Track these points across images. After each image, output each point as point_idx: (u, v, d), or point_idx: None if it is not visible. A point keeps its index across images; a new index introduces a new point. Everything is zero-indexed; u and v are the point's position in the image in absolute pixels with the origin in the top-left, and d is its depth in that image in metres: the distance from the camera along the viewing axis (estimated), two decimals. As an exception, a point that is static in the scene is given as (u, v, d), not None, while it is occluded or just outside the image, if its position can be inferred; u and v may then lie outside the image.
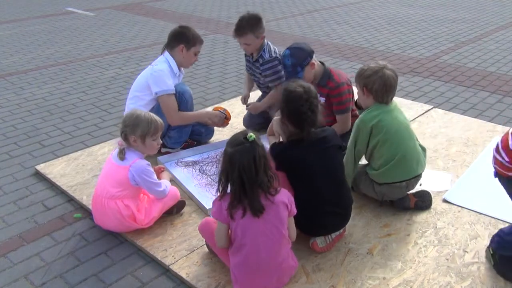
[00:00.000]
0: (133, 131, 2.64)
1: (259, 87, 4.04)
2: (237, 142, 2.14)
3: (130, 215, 2.65)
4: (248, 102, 3.98)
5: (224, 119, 3.72)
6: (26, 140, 4.03)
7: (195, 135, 3.75)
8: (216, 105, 3.86)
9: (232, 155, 2.12)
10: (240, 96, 4.19)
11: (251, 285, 2.25)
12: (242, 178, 2.11)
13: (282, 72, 3.67)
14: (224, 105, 4.49)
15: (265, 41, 3.73)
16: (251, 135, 2.14)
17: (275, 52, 3.73)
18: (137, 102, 3.48)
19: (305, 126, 2.45)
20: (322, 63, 3.40)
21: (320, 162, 2.47)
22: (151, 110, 3.42)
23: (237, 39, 3.66)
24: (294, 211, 2.29)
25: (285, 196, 2.24)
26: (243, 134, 2.16)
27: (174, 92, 3.43)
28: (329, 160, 2.51)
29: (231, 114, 3.84)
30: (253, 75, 3.94)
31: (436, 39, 7.22)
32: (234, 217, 2.16)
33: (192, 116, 3.60)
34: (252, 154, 2.11)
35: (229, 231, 2.27)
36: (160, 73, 3.40)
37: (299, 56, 3.24)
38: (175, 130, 3.58)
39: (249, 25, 3.57)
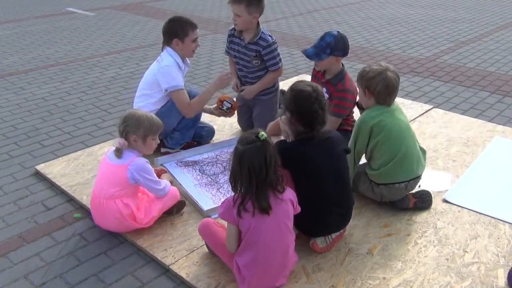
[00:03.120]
0: (135, 131, 2.65)
1: (239, 71, 3.88)
2: (248, 141, 2.14)
3: (130, 214, 2.65)
4: (241, 88, 3.87)
5: (229, 108, 3.70)
6: (26, 140, 4.02)
7: (196, 137, 3.76)
8: (222, 95, 3.81)
9: (243, 153, 2.12)
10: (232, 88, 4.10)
11: (261, 284, 2.25)
12: (251, 176, 2.11)
13: (279, 57, 3.74)
14: (224, 105, 4.49)
15: (261, 26, 3.69)
16: (263, 133, 2.14)
17: (271, 37, 3.72)
18: (146, 100, 3.48)
19: (316, 125, 2.45)
20: (342, 64, 3.39)
21: (327, 162, 2.47)
22: (162, 108, 3.48)
23: (230, 5, 3.58)
24: (298, 209, 2.30)
25: (291, 194, 2.27)
26: (254, 133, 2.16)
27: (182, 87, 3.44)
28: (336, 161, 2.51)
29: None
30: (240, 59, 3.80)
31: (436, 39, 7.22)
32: (243, 216, 2.16)
33: (202, 99, 3.54)
34: (263, 153, 2.11)
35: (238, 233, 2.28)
36: (167, 69, 3.40)
37: (339, 44, 3.20)
38: (179, 132, 3.59)
39: None
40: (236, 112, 3.96)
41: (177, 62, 3.47)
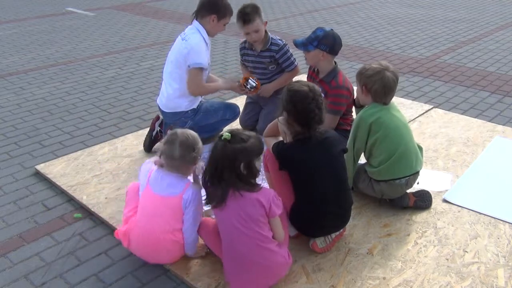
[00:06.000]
0: (200, 153, 2.47)
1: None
2: (216, 141, 2.27)
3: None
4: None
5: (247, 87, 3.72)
6: (26, 140, 4.02)
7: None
8: (245, 75, 3.83)
9: (211, 150, 2.27)
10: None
11: (238, 280, 2.27)
12: (207, 171, 2.28)
13: (294, 57, 3.83)
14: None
15: (268, 32, 3.80)
16: (227, 134, 2.22)
17: (281, 40, 3.82)
18: (179, 81, 3.51)
19: (313, 125, 2.46)
20: (335, 62, 3.40)
21: (325, 163, 2.47)
22: (211, 105, 3.67)
23: (246, 28, 3.65)
24: (275, 212, 2.26)
25: (262, 195, 2.23)
26: (222, 135, 2.24)
27: (205, 67, 3.46)
28: (333, 161, 2.51)
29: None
30: (255, 68, 3.90)
31: (436, 39, 7.22)
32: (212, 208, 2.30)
33: (213, 87, 3.65)
34: (221, 152, 2.21)
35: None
36: (196, 47, 3.43)
37: (327, 39, 3.21)
38: (198, 129, 3.61)
39: (254, 11, 3.62)
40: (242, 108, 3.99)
41: (204, 38, 3.49)
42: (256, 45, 3.81)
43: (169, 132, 2.50)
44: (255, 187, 2.25)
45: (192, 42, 3.44)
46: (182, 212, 2.40)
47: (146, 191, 2.46)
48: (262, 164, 2.52)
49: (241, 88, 3.73)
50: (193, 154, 2.41)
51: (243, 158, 2.20)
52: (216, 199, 2.24)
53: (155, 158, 2.50)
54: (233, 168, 2.19)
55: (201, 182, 2.34)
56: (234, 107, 3.85)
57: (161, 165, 2.45)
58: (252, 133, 2.30)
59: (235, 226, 2.21)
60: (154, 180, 2.44)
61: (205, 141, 3.75)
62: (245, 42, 3.91)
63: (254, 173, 2.25)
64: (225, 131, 2.27)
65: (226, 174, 2.20)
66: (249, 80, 3.70)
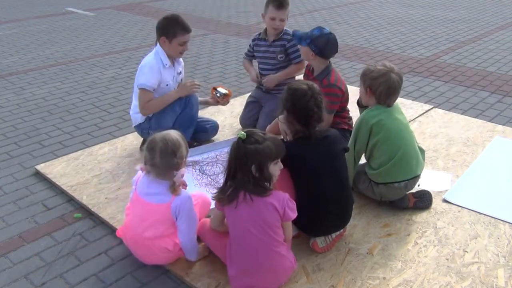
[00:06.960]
0: (183, 157, 2.36)
1: (264, 71, 3.98)
2: (235, 139, 2.24)
3: (179, 249, 2.47)
4: (262, 78, 3.96)
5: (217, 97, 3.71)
6: (26, 140, 4.02)
7: (200, 132, 3.78)
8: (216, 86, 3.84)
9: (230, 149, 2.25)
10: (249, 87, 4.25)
11: (241, 280, 2.27)
12: (226, 170, 2.25)
13: None
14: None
15: None
16: (242, 134, 2.20)
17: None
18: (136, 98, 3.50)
19: (312, 123, 2.46)
20: (330, 61, 3.40)
21: (325, 161, 2.47)
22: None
23: (276, 13, 3.74)
24: (290, 216, 2.25)
25: (276, 199, 2.21)
26: (239, 133, 2.22)
27: (147, 87, 3.37)
28: (334, 160, 2.51)
29: (232, 113, 3.82)
30: (265, 58, 3.94)
31: (436, 39, 7.22)
32: (224, 208, 2.27)
33: (160, 101, 3.46)
34: (234, 152, 2.20)
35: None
36: (142, 67, 3.40)
37: (319, 40, 3.22)
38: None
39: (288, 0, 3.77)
40: (237, 106, 4.00)
41: (161, 59, 3.42)
42: (269, 36, 3.90)
43: (149, 138, 2.38)
44: (266, 191, 2.20)
45: (142, 63, 3.43)
46: (172, 219, 2.37)
47: (134, 196, 2.44)
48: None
49: (212, 98, 3.76)
50: (175, 160, 2.30)
51: (255, 160, 2.16)
52: (227, 197, 2.22)
53: (141, 165, 2.43)
54: (245, 169, 2.17)
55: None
56: (182, 99, 3.53)
57: (147, 171, 2.37)
58: (272, 136, 2.27)
59: (251, 231, 2.18)
60: (141, 185, 2.40)
61: (203, 137, 3.77)
62: (259, 34, 4.02)
63: (267, 177, 2.21)
64: (243, 130, 2.23)
65: (239, 174, 2.19)
66: (218, 89, 3.73)
